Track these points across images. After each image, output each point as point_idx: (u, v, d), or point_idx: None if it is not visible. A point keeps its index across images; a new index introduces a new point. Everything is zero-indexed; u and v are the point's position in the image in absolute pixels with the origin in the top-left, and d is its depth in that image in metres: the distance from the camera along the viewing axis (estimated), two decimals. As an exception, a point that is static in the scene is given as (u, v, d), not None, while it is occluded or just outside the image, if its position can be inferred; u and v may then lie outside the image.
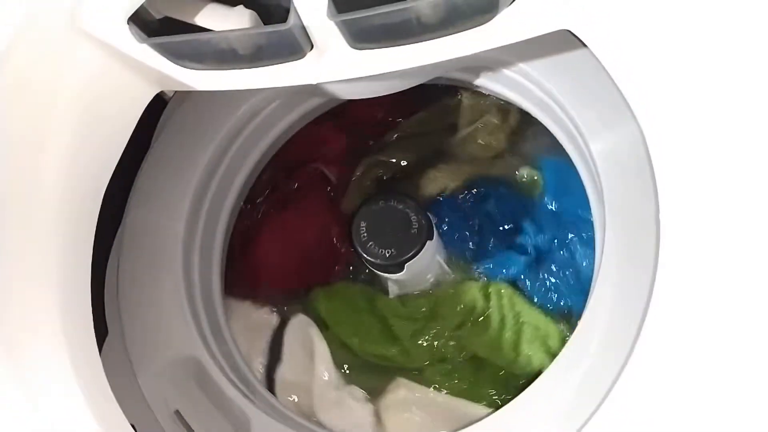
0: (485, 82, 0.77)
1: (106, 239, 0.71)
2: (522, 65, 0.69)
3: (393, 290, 0.79)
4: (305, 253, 0.82)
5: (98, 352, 0.54)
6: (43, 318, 0.50)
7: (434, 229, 0.71)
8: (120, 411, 0.52)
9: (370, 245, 0.69)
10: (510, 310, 0.75)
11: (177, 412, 0.65)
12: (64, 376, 0.49)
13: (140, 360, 0.66)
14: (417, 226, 0.69)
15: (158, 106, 0.77)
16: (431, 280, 0.78)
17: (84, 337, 0.52)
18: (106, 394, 0.52)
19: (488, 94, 0.80)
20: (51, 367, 0.49)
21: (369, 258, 0.69)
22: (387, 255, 0.69)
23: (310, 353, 0.76)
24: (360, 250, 0.69)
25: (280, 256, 0.82)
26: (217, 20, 0.51)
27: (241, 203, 0.82)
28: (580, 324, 0.59)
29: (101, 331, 0.67)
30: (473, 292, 0.76)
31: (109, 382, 0.52)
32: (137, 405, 0.64)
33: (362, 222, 0.69)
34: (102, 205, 0.55)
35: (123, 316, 0.67)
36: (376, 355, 0.77)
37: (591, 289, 0.62)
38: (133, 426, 0.60)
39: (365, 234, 0.69)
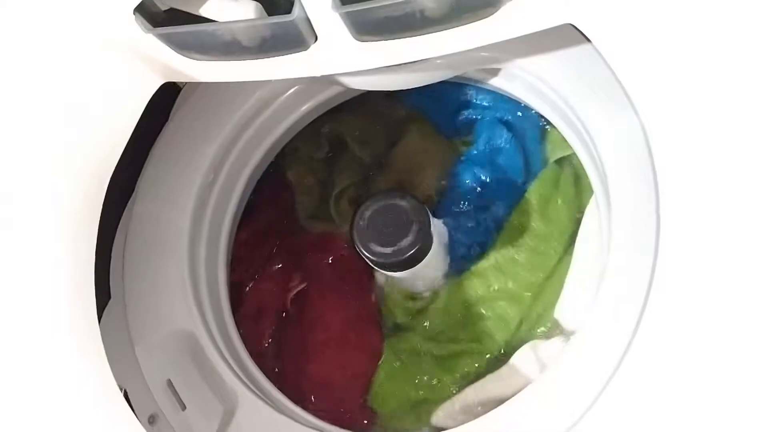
0: (498, 81, 0.77)
1: (114, 223, 0.73)
2: (532, 63, 0.69)
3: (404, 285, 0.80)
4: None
5: (97, 319, 0.55)
6: (44, 288, 0.51)
7: (431, 224, 0.70)
8: (110, 371, 0.53)
9: (371, 242, 0.68)
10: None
11: (169, 382, 0.66)
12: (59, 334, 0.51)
13: (139, 329, 0.67)
14: (418, 223, 0.68)
15: (173, 96, 0.78)
16: (436, 274, 0.78)
17: (85, 305, 0.53)
18: (100, 355, 0.53)
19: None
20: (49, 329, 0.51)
21: (372, 257, 0.69)
22: (390, 252, 0.67)
23: None
24: (360, 246, 0.68)
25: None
26: (222, 11, 0.51)
27: (249, 194, 0.82)
28: (586, 324, 0.59)
29: (103, 298, 0.69)
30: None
31: (105, 346, 0.53)
32: (131, 371, 0.65)
33: (364, 218, 0.68)
34: (113, 194, 0.56)
35: (126, 285, 0.69)
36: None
37: (597, 287, 0.62)
38: (125, 391, 0.63)
39: (367, 231, 0.68)
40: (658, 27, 0.43)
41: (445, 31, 0.49)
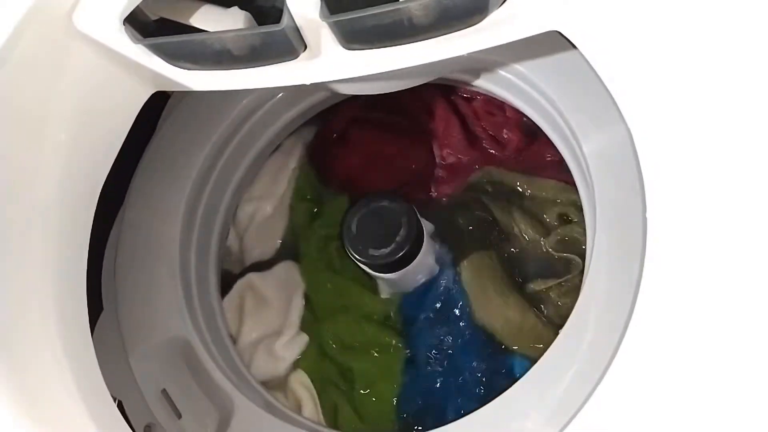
0: (483, 83, 0.77)
1: (105, 231, 0.73)
2: (518, 67, 0.70)
3: (384, 290, 0.80)
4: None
5: (90, 330, 0.55)
6: (36, 299, 0.51)
7: (424, 231, 0.71)
8: (103, 383, 0.53)
9: (361, 245, 0.69)
10: None
11: (164, 391, 0.66)
12: (51, 351, 0.50)
13: (132, 338, 0.67)
14: (408, 227, 0.68)
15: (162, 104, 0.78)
16: (422, 280, 0.79)
17: (76, 318, 0.53)
18: (93, 367, 0.52)
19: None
20: (39, 342, 0.50)
21: (360, 258, 0.69)
22: (380, 254, 0.69)
23: None
24: (351, 249, 0.69)
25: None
26: (211, 21, 0.51)
27: (237, 201, 0.82)
28: (569, 322, 0.60)
29: (96, 309, 0.69)
30: None
31: (99, 358, 0.53)
32: (126, 381, 0.66)
33: (353, 221, 0.69)
34: (104, 199, 0.56)
35: (119, 295, 0.69)
36: None
37: (581, 287, 0.63)
38: (120, 402, 0.63)
39: (356, 234, 0.69)
40: (644, 34, 0.44)
41: (433, 39, 0.50)
